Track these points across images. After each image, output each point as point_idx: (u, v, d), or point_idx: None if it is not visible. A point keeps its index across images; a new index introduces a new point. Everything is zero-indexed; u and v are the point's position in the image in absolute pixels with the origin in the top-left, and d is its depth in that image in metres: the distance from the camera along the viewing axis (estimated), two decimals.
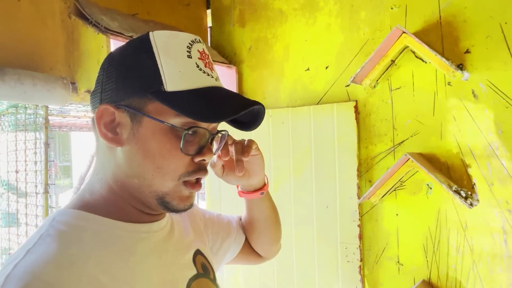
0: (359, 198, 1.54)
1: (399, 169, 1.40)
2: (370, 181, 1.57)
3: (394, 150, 1.52)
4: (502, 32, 1.30)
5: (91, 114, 0.66)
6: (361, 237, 1.55)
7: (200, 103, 0.56)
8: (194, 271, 0.69)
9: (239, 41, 1.96)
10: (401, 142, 1.50)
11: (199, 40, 0.62)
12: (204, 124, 0.59)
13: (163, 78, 0.56)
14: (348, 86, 1.63)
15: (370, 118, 1.58)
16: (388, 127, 1.53)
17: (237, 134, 0.70)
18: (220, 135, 0.68)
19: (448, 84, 1.41)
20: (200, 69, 0.59)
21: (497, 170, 1.31)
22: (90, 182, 0.65)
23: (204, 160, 0.61)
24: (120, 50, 0.62)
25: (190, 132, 0.58)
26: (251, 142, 0.76)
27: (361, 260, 1.54)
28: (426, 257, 1.44)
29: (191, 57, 0.59)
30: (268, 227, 0.91)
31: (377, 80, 1.55)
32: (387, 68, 1.52)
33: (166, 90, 0.56)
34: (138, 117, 0.58)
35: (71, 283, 0.50)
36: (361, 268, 1.54)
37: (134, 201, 0.62)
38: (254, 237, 0.92)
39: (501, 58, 1.30)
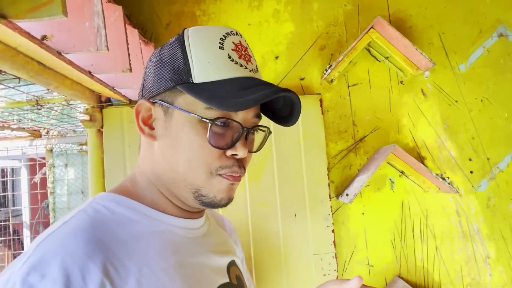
0: (331, 199, 1.39)
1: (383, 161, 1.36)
2: (333, 182, 1.45)
3: (355, 146, 1.47)
4: (441, 40, 1.50)
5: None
6: (336, 243, 1.39)
7: (226, 92, 0.55)
8: (226, 279, 0.66)
9: (152, 14, 1.50)
10: (362, 138, 1.47)
11: (236, 32, 0.62)
12: (238, 118, 0.59)
13: (192, 70, 0.57)
14: (303, 79, 1.49)
15: (328, 114, 1.48)
16: (348, 124, 1.48)
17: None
18: (259, 131, 0.65)
19: (401, 83, 1.50)
20: (232, 60, 0.59)
21: (447, 160, 1.46)
22: (132, 173, 0.66)
23: (236, 154, 0.59)
24: (160, 48, 0.63)
25: (218, 123, 0.58)
26: None
27: (337, 270, 1.37)
28: (395, 253, 1.43)
29: (223, 48, 0.59)
30: None
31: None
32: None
33: (194, 81, 0.57)
34: (170, 110, 0.59)
35: (95, 256, 0.50)
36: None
37: (172, 196, 0.62)
38: None
39: (441, 62, 1.49)
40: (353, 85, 1.50)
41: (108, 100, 1.44)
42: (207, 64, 0.57)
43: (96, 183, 1.40)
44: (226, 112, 0.57)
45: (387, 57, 1.49)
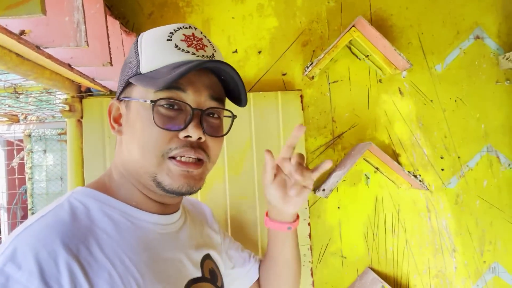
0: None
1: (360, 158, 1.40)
2: None
3: (334, 142, 1.51)
4: (419, 40, 1.54)
5: None
6: (311, 235, 1.44)
7: (163, 74, 0.57)
8: (198, 273, 0.68)
9: (134, 4, 1.48)
10: (341, 134, 1.51)
11: (190, 26, 0.64)
12: (189, 100, 0.60)
13: (140, 63, 0.61)
14: (285, 75, 1.51)
15: (309, 110, 1.51)
16: (328, 120, 1.51)
17: None
18: (226, 117, 0.68)
19: (379, 81, 1.53)
20: (179, 48, 0.61)
21: (420, 157, 1.52)
22: (109, 168, 0.69)
23: (190, 136, 0.60)
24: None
25: (164, 104, 0.59)
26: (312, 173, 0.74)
27: (312, 262, 1.43)
28: (367, 245, 1.49)
29: (170, 40, 0.61)
30: (286, 272, 0.85)
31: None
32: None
33: (141, 72, 0.61)
34: (129, 103, 0.63)
35: (69, 250, 0.52)
36: (312, 271, 1.42)
37: (144, 189, 0.64)
38: (268, 280, 0.87)
39: (419, 62, 1.53)
40: (334, 82, 1.52)
41: (88, 90, 1.43)
42: (152, 55, 0.61)
43: (75, 174, 1.40)
44: (175, 93, 0.59)
45: (367, 56, 1.51)
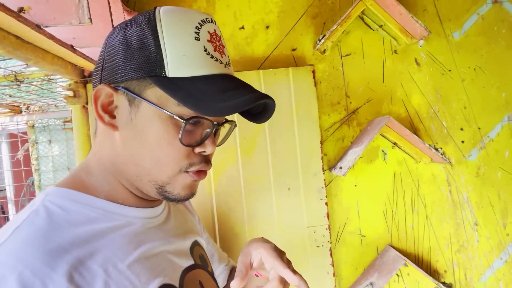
0: (324, 172, 1.39)
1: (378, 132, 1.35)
2: (325, 155, 1.44)
3: (348, 118, 1.45)
4: (435, 7, 1.46)
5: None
6: (329, 215, 1.40)
7: (205, 93, 0.52)
8: (191, 261, 0.67)
9: None
10: (355, 110, 1.46)
11: (211, 19, 0.58)
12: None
13: (165, 61, 0.53)
14: (295, 50, 1.44)
15: (321, 86, 1.45)
16: (341, 95, 1.46)
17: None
18: (229, 124, 0.65)
19: (395, 52, 1.47)
20: (208, 53, 0.55)
21: (439, 130, 1.47)
22: (87, 162, 0.62)
23: (204, 152, 0.58)
24: (124, 26, 0.57)
25: (191, 122, 0.55)
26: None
27: (331, 241, 1.39)
28: (387, 223, 1.46)
29: (199, 39, 0.55)
30: None
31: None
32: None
33: (167, 75, 0.53)
34: (136, 101, 0.55)
35: (56, 264, 0.47)
36: (331, 251, 1.38)
37: (132, 187, 0.60)
38: None
39: (436, 30, 1.46)
40: (346, 55, 1.46)
41: (91, 74, 1.37)
42: (182, 57, 0.53)
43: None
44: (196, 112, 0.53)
45: (381, 26, 1.44)
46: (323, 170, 1.39)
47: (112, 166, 0.59)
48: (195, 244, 0.72)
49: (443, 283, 1.39)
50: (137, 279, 0.54)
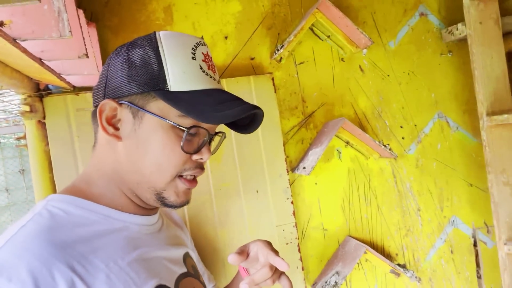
0: (288, 173, 1.48)
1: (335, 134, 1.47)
2: (287, 157, 1.54)
3: (306, 122, 1.57)
4: (373, 19, 1.64)
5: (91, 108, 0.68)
6: (294, 213, 1.49)
7: (204, 104, 0.58)
8: (184, 269, 0.70)
9: None
10: (311, 114, 1.57)
11: (204, 42, 0.65)
12: (205, 125, 0.63)
13: (167, 77, 0.59)
14: (253, 59, 1.52)
15: (280, 92, 1.54)
16: (298, 100, 1.56)
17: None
18: (219, 136, 0.72)
19: (342, 60, 1.61)
20: (204, 71, 0.62)
21: (383, 128, 1.64)
22: (86, 173, 0.66)
23: (201, 159, 0.64)
24: (126, 48, 0.63)
25: (191, 132, 0.61)
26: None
27: (298, 238, 1.48)
28: (345, 216, 1.59)
29: (195, 59, 0.61)
30: None
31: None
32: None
33: (169, 89, 0.59)
34: (140, 113, 0.60)
35: (61, 256, 0.51)
36: (299, 246, 1.48)
37: (132, 195, 0.64)
38: None
39: (374, 40, 1.64)
40: (300, 63, 1.57)
41: (46, 88, 1.31)
42: (182, 73, 0.59)
43: (42, 179, 1.28)
44: (198, 121, 0.60)
45: (329, 36, 1.58)
46: (287, 171, 1.47)
47: (114, 174, 0.63)
48: (187, 255, 0.76)
49: (398, 265, 1.56)
50: (136, 276, 0.57)
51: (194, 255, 0.85)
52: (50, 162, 1.28)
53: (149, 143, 0.60)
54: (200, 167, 0.65)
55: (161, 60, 0.60)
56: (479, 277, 1.69)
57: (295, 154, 1.54)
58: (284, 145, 1.51)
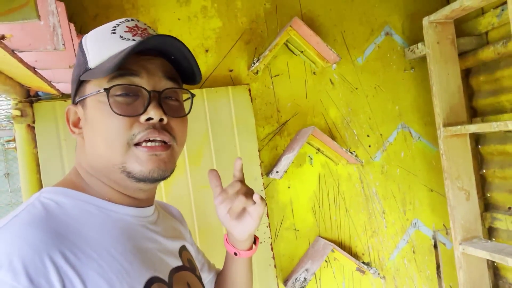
0: (263, 177, 1.59)
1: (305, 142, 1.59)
2: (262, 162, 1.65)
3: (280, 130, 1.69)
4: (343, 37, 1.79)
5: None
6: (268, 215, 1.60)
7: (108, 63, 0.58)
8: (179, 262, 0.69)
9: (79, 6, 1.48)
10: (285, 122, 1.70)
11: (132, 19, 0.65)
12: (143, 83, 0.60)
13: (88, 60, 0.61)
14: (232, 71, 1.64)
15: (256, 102, 1.67)
16: (273, 110, 1.69)
17: None
18: (166, 95, 0.64)
19: (314, 74, 1.75)
20: (124, 38, 0.61)
21: (351, 137, 1.78)
22: (75, 169, 0.67)
23: (151, 118, 0.58)
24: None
25: (119, 93, 0.59)
26: (260, 198, 0.72)
27: (271, 237, 1.59)
28: (315, 218, 1.71)
29: (114, 33, 0.62)
30: None
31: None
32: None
33: (90, 67, 0.61)
34: (83, 103, 0.63)
35: (53, 244, 0.51)
36: (272, 245, 1.59)
37: (115, 184, 0.63)
38: None
39: (344, 56, 1.79)
40: (275, 75, 1.70)
41: (36, 94, 1.40)
42: (97, 49, 0.60)
43: (30, 180, 1.36)
44: (128, 79, 0.59)
45: (302, 51, 1.72)
46: (262, 175, 1.59)
47: (90, 168, 0.63)
48: (183, 249, 0.74)
49: (363, 262, 1.68)
50: (130, 266, 0.56)
51: (193, 248, 0.83)
52: (38, 164, 1.36)
53: (94, 124, 0.60)
54: (153, 128, 0.59)
55: (83, 48, 0.62)
56: (439, 276, 1.83)
57: (269, 160, 1.66)
58: (259, 151, 1.63)
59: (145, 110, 0.59)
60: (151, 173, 0.59)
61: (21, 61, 0.95)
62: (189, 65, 0.64)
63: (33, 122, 1.36)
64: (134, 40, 0.60)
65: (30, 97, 1.37)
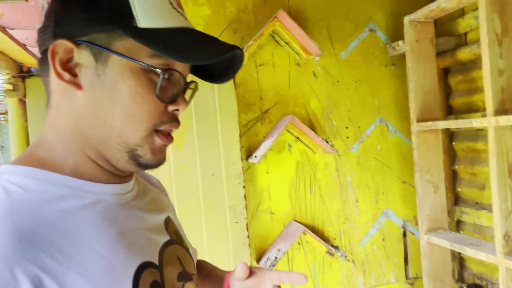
0: (242, 161, 1.68)
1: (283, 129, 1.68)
2: (243, 146, 1.74)
3: (262, 117, 1.77)
4: (328, 31, 1.86)
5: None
6: (246, 196, 1.69)
7: (181, 42, 0.51)
8: (166, 237, 0.64)
9: None
10: (267, 110, 1.78)
11: None
12: (180, 69, 0.54)
13: (134, 12, 0.50)
14: None
15: (240, 89, 1.74)
16: (256, 98, 1.77)
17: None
18: (193, 86, 0.61)
19: (298, 65, 1.83)
20: (174, 7, 0.53)
21: (330, 128, 1.86)
22: (42, 138, 0.55)
23: (178, 110, 0.55)
24: None
25: (166, 76, 0.52)
26: None
27: (247, 218, 1.69)
28: (291, 202, 1.80)
29: None
30: None
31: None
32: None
33: (138, 25, 0.49)
34: (104, 55, 0.50)
35: (24, 248, 0.43)
36: (247, 226, 1.68)
37: (98, 158, 0.55)
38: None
39: (328, 49, 1.86)
40: (260, 65, 1.77)
41: (29, 70, 1.47)
42: (151, 7, 0.51)
43: (20, 151, 1.45)
44: (172, 62, 0.52)
45: (287, 43, 1.79)
46: (242, 159, 1.68)
47: (75, 134, 0.54)
48: (168, 220, 0.69)
49: (333, 246, 1.78)
50: (115, 258, 0.50)
51: (176, 220, 0.76)
52: (28, 136, 1.45)
53: (117, 91, 0.51)
54: (177, 119, 0.56)
55: None
56: (406, 263, 1.93)
57: (250, 145, 1.75)
58: (240, 136, 1.71)
59: (174, 99, 0.54)
60: (155, 162, 0.55)
61: (12, 38, 1.02)
62: (227, 73, 0.60)
63: (25, 96, 1.43)
64: (179, 13, 0.53)
65: (22, 73, 1.44)
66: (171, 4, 0.52)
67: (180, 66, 0.54)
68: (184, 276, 0.64)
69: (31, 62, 1.35)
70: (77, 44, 0.50)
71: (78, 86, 0.50)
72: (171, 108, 0.54)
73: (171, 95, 0.53)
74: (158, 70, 0.50)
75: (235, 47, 0.53)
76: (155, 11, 0.50)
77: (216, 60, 0.52)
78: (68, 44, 0.49)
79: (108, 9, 0.49)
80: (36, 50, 1.25)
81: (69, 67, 0.50)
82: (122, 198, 0.57)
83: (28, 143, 1.44)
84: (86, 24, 0.49)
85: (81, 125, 0.52)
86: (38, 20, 0.97)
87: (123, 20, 0.49)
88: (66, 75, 0.50)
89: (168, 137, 0.56)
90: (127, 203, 0.58)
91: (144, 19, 0.49)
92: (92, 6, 0.49)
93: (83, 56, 0.50)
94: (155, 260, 0.57)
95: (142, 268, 0.53)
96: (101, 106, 0.51)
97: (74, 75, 0.50)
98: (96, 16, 0.49)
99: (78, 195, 0.51)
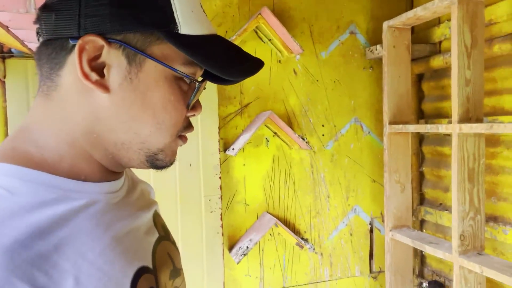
0: (220, 152, 1.72)
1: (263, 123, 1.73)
2: (222, 139, 1.78)
3: (241, 111, 1.82)
4: (310, 31, 1.91)
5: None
6: (221, 187, 1.74)
7: (219, 54, 0.50)
8: (156, 234, 0.63)
9: None
10: (247, 104, 1.82)
11: None
12: (199, 76, 0.54)
13: (176, 15, 0.47)
14: None
15: None
16: (237, 92, 1.81)
17: None
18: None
19: (279, 62, 1.88)
20: (203, 11, 0.52)
21: (307, 125, 1.93)
22: (34, 132, 0.49)
23: (195, 114, 0.55)
24: None
25: (198, 85, 0.52)
26: None
27: (222, 208, 1.74)
28: (266, 195, 1.86)
29: None
30: None
31: None
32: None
33: (180, 32, 0.47)
34: (138, 58, 0.47)
35: (14, 266, 0.38)
36: (221, 215, 1.73)
37: (105, 158, 0.52)
38: None
39: (309, 49, 1.91)
40: None
41: (9, 51, 1.47)
42: (191, 13, 0.48)
43: None
44: (196, 69, 0.51)
45: (270, 40, 1.83)
46: (219, 151, 1.72)
47: (85, 135, 0.49)
48: (156, 215, 0.67)
49: (302, 239, 1.85)
50: (111, 268, 0.47)
51: (159, 210, 0.75)
52: (6, 117, 1.45)
53: (149, 97, 0.48)
54: (191, 123, 0.56)
55: None
56: (371, 257, 2.03)
57: (229, 138, 1.79)
58: (219, 128, 1.75)
59: (193, 105, 0.54)
60: (171, 163, 0.56)
61: None
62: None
63: (4, 77, 1.43)
64: (205, 15, 0.52)
65: (3, 53, 1.44)
66: (201, 6, 0.50)
67: (198, 73, 0.53)
68: (174, 273, 0.64)
69: (12, 43, 1.34)
70: (109, 42, 0.45)
71: (105, 88, 0.47)
72: (190, 113, 0.54)
73: (187, 100, 0.52)
74: (196, 82, 0.50)
75: (261, 62, 0.53)
76: (194, 16, 0.48)
77: (251, 76, 0.52)
78: (99, 41, 0.45)
79: (149, 8, 0.46)
80: (18, 32, 1.25)
81: (95, 66, 0.46)
82: (114, 196, 0.55)
83: (6, 124, 1.44)
84: (120, 21, 0.45)
85: (98, 127, 0.49)
86: (21, 4, 0.98)
87: (165, 24, 0.46)
88: (94, 76, 0.46)
89: (184, 138, 0.56)
90: (119, 201, 0.56)
91: (185, 25, 0.47)
92: (130, 3, 0.45)
93: (113, 56, 0.46)
94: (149, 264, 0.55)
95: (138, 275, 0.51)
96: (129, 111, 0.48)
97: (101, 75, 0.46)
98: (134, 15, 0.45)
99: (70, 197, 0.47)
